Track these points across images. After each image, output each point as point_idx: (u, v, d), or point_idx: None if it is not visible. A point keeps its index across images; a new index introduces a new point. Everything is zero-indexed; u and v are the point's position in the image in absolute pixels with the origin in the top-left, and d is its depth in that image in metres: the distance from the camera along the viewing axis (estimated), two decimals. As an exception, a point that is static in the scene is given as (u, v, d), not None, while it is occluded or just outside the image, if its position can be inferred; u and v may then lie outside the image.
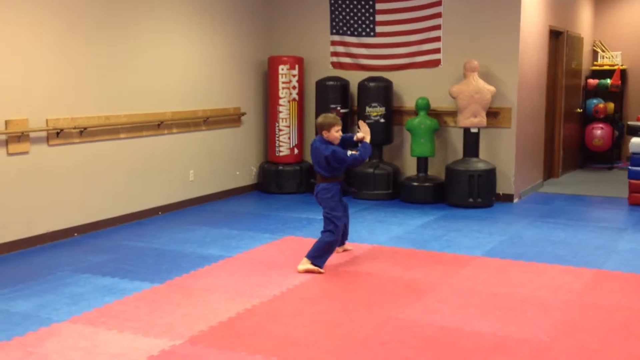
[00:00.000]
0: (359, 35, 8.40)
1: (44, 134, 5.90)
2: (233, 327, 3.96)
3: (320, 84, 8.31)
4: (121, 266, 5.25)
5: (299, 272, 4.98)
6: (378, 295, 4.54)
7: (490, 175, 7.56)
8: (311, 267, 4.98)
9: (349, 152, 5.03)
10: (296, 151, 8.55)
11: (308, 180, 8.43)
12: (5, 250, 5.62)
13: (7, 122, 5.57)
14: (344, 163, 5.05)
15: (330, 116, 5.14)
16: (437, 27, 7.99)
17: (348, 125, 8.40)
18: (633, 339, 3.78)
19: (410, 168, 8.24)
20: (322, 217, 5.16)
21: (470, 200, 7.49)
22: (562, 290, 4.62)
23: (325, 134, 5.07)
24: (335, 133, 5.05)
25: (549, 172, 9.60)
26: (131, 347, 3.67)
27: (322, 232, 5.09)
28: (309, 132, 8.75)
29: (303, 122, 8.67)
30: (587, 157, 10.98)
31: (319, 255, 5.00)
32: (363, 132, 5.20)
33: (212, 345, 3.68)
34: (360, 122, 5.35)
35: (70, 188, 6.18)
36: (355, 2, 8.35)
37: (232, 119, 8.23)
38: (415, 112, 7.91)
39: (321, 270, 4.98)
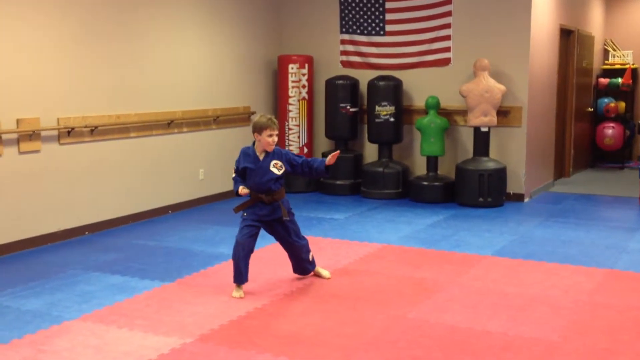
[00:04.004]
0: (369, 34, 8.39)
1: (55, 132, 5.93)
2: (243, 325, 3.97)
3: (330, 83, 8.31)
4: (132, 265, 5.27)
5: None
6: (387, 294, 4.54)
7: (500, 174, 7.53)
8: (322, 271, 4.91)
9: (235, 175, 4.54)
10: (306, 150, 8.55)
11: (317, 179, 8.44)
12: (17, 248, 5.65)
13: (18, 121, 5.60)
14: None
15: (264, 117, 4.44)
16: (447, 26, 7.97)
17: (357, 124, 8.42)
18: (644, 339, 3.77)
19: (420, 167, 8.23)
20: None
21: (481, 199, 7.47)
22: (573, 290, 4.60)
23: (256, 137, 4.45)
24: (267, 138, 4.40)
25: (560, 172, 9.56)
26: (142, 345, 3.68)
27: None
28: (318, 131, 8.75)
29: (313, 121, 8.67)
30: (598, 157, 10.93)
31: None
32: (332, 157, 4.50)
33: (222, 344, 3.69)
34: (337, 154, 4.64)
35: (81, 187, 6.21)
36: (365, 1, 8.34)
37: (242, 117, 8.25)
38: (425, 111, 7.89)
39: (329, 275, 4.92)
